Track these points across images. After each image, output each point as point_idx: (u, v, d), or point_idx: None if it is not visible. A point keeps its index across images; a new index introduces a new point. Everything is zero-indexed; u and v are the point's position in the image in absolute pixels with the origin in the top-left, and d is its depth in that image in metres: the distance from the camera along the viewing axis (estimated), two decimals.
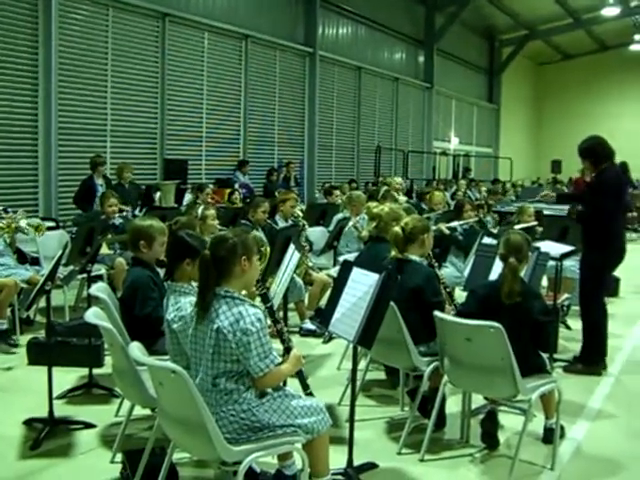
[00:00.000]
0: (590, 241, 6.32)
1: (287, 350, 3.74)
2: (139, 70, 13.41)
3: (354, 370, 4.17)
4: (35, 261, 8.05)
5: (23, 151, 11.35)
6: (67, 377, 5.72)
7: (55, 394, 5.00)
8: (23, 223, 6.67)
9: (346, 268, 4.24)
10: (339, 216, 8.90)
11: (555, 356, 6.43)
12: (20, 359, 6.34)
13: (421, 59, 24.52)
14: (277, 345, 3.73)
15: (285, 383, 3.78)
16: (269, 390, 3.50)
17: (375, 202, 7.94)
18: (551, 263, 6.29)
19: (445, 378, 4.62)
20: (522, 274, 4.71)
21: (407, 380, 5.39)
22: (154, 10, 13.58)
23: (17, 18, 11.11)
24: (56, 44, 11.46)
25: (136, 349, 3.62)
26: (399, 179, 14.95)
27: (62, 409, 5.17)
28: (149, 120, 13.76)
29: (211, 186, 12.55)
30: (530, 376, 4.39)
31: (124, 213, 8.82)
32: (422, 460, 4.52)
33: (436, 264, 5.65)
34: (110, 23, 12.74)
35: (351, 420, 4.16)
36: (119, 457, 4.37)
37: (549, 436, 4.72)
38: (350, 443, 4.16)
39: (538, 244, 6.30)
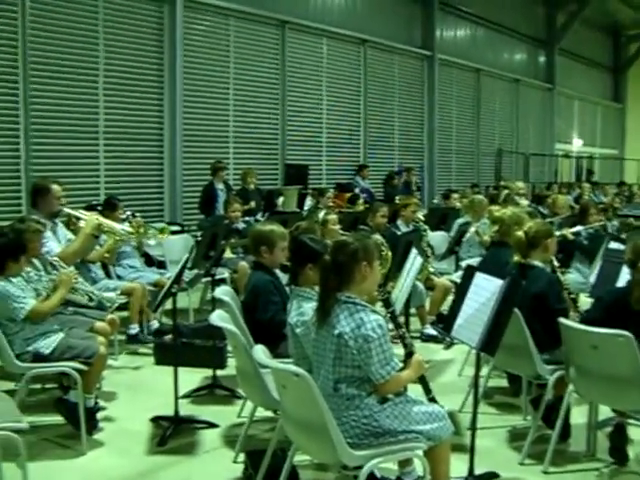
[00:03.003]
0: None
1: (409, 355, 3.71)
2: (260, 77, 13.68)
3: (476, 377, 4.10)
4: (161, 264, 8.32)
5: (150, 158, 11.78)
6: (192, 377, 5.87)
7: (180, 394, 5.15)
8: (151, 231, 6.90)
9: (469, 273, 4.18)
10: (460, 221, 8.79)
11: None
12: (147, 359, 6.56)
13: (542, 59, 23.96)
14: (399, 350, 3.71)
15: (406, 388, 3.76)
16: (390, 396, 3.48)
17: (497, 206, 7.80)
18: None
19: (570, 387, 4.48)
20: None
21: (530, 388, 5.26)
22: (274, 18, 13.83)
23: (144, 31, 11.56)
24: (181, 54, 11.84)
25: (260, 352, 3.67)
26: (521, 184, 14.62)
27: (187, 408, 5.32)
28: (270, 126, 14.00)
29: (332, 191, 12.62)
30: None
31: (247, 218, 8.99)
32: (546, 472, 4.39)
33: (559, 270, 5.49)
34: (232, 32, 13.06)
35: (473, 428, 4.10)
36: (241, 457, 4.45)
37: None
38: (471, 451, 4.10)
39: None
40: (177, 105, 11.82)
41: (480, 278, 4.03)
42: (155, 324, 7.09)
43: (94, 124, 10.91)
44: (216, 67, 12.81)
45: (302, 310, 3.97)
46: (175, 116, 11.80)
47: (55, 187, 6.30)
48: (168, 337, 6.52)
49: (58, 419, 4.98)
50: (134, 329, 7.02)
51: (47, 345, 4.84)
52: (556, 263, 5.39)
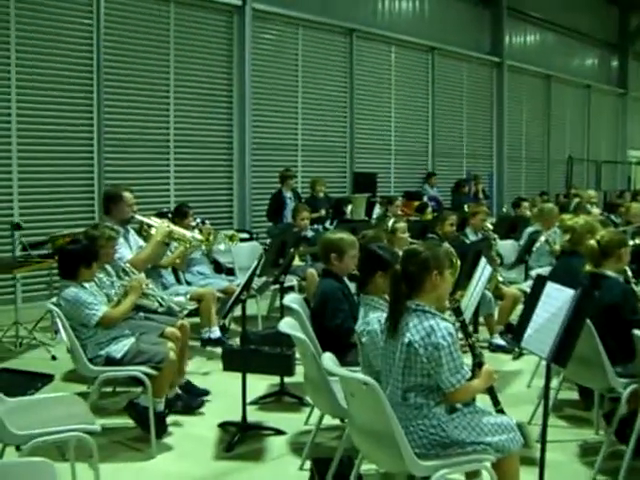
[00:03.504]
0: None
1: (479, 365, 3.67)
2: (328, 86, 13.73)
3: (547, 388, 4.02)
4: (230, 271, 8.40)
5: (219, 166, 11.93)
6: (259, 384, 5.92)
7: (248, 400, 5.19)
8: (220, 236, 6.98)
9: (540, 283, 4.11)
10: (530, 229, 8.67)
11: None
12: (216, 365, 6.62)
13: (614, 64, 23.46)
14: (467, 359, 3.67)
15: (474, 399, 3.72)
16: (459, 406, 3.45)
17: (568, 215, 7.67)
18: None
19: None
20: None
21: (602, 402, 5.14)
22: (341, 26, 13.87)
23: (213, 41, 11.73)
24: (250, 63, 11.96)
25: (329, 360, 3.68)
26: (593, 192, 14.35)
27: (254, 415, 5.36)
28: (338, 134, 14.04)
29: (400, 198, 12.56)
30: None
31: (315, 225, 9.03)
32: None
33: (633, 280, 5.36)
34: (300, 41, 13.15)
35: (543, 440, 4.00)
36: (308, 465, 4.46)
37: None
38: (541, 465, 4.00)
39: None
40: (246, 113, 11.95)
41: (551, 288, 3.96)
42: (217, 332, 7.08)
43: (165, 133, 11.11)
44: (284, 75, 12.91)
45: (368, 320, 3.98)
46: (244, 124, 11.93)
47: (127, 195, 6.42)
48: (235, 344, 6.57)
49: (129, 422, 5.08)
50: (208, 333, 7.07)
51: (119, 349, 4.93)
52: (630, 273, 5.27)
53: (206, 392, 5.80)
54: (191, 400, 5.59)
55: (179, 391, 5.57)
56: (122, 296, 5.24)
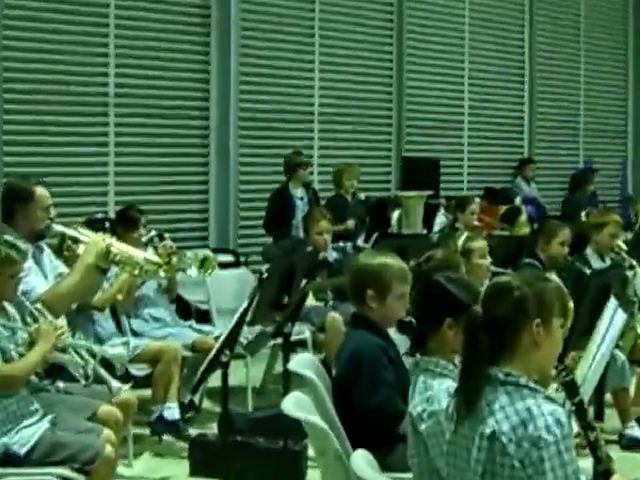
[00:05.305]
0: None
1: (604, 475, 3.62)
2: (364, 27, 13.89)
3: None
4: (203, 316, 8.40)
5: (187, 149, 12.01)
6: None
7: None
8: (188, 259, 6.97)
9: None
10: None
11: None
12: (179, 466, 6.59)
13: None
14: (586, 464, 3.64)
15: None
16: None
17: None
18: None
19: None
20: None
21: None
22: None
23: None
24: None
25: (362, 460, 3.66)
26: None
27: None
28: (378, 101, 14.21)
29: (478, 200, 12.54)
30: None
31: (342, 243, 9.04)
32: None
33: None
34: None
35: None
36: None
37: None
38: None
39: None
40: (231, 67, 12.01)
41: None
42: (174, 410, 6.98)
43: (102, 94, 11.15)
44: (294, 10, 13.02)
45: (431, 394, 3.95)
46: (228, 84, 11.96)
47: (41, 191, 6.40)
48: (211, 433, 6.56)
49: None
50: (160, 410, 7.01)
51: (23, 441, 4.90)
52: None
53: None
54: None
55: None
56: (26, 349, 5.20)
